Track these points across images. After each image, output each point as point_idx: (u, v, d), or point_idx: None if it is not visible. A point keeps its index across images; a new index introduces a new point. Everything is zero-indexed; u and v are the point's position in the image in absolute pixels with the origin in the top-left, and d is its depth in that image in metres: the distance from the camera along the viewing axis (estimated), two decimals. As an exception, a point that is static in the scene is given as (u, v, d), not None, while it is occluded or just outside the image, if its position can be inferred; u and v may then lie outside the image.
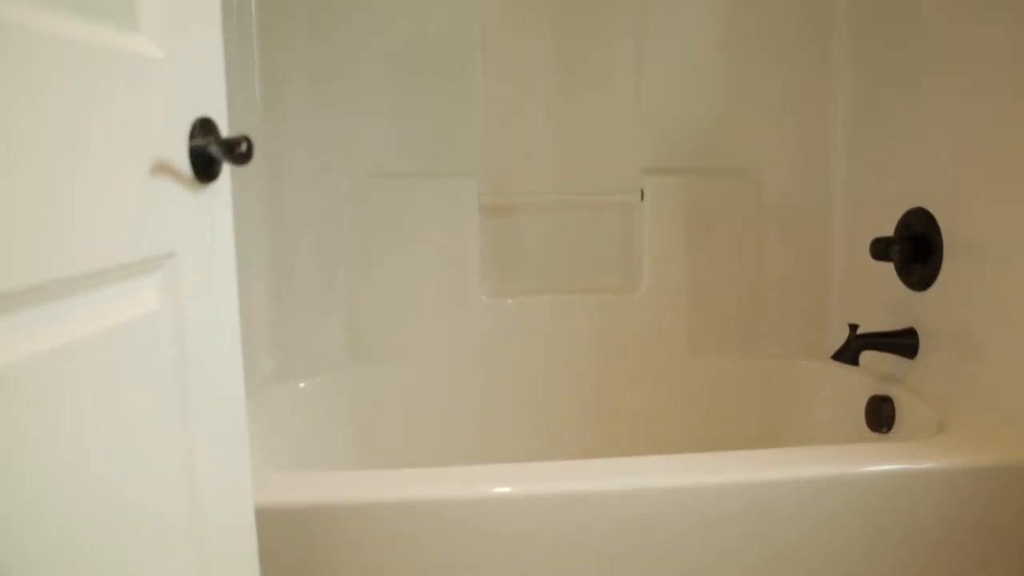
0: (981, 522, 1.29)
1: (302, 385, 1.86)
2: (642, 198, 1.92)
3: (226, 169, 0.82)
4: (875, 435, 1.74)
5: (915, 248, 1.67)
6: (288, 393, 1.83)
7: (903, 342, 1.71)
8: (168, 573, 0.72)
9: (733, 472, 1.25)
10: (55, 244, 0.57)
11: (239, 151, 0.78)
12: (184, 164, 0.76)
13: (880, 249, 1.67)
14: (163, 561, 0.71)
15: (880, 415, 1.73)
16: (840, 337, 1.96)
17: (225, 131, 0.84)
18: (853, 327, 1.73)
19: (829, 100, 1.96)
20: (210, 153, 0.76)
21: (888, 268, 1.79)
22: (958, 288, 1.58)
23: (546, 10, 1.88)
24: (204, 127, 0.80)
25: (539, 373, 1.92)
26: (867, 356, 1.88)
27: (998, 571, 1.31)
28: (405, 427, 1.89)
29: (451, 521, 1.16)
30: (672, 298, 1.95)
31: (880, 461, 1.29)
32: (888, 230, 1.79)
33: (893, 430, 1.71)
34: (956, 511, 1.29)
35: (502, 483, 1.17)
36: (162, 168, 0.72)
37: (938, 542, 1.29)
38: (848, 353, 1.70)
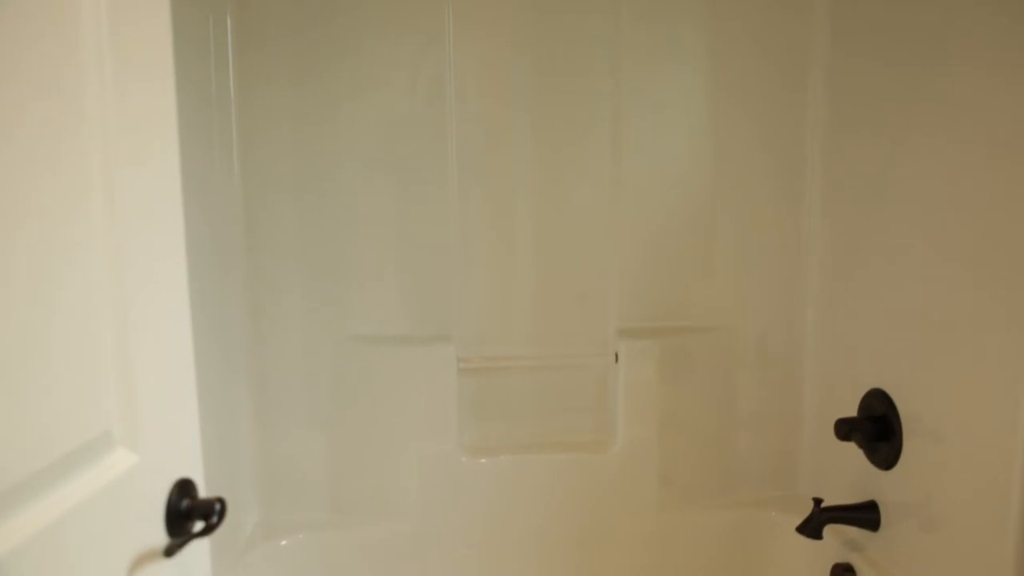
0: None
1: (284, 543, 1.92)
2: (616, 360, 1.98)
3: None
4: (839, 603, 1.80)
5: (877, 429, 1.73)
6: (271, 552, 1.89)
7: (865, 516, 1.76)
8: None
9: None
10: None
11: (212, 521, 0.84)
12: (162, 536, 0.82)
13: (844, 431, 1.73)
14: None
15: (842, 584, 1.79)
16: (809, 497, 2.01)
17: (202, 478, 0.90)
18: (817, 501, 1.79)
19: (802, 270, 2.02)
20: (188, 541, 0.81)
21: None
22: (920, 469, 1.64)
23: (520, 183, 1.95)
24: (182, 488, 0.86)
25: (515, 531, 1.98)
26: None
27: None
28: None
29: None
30: (645, 454, 2.01)
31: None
32: (855, 400, 1.85)
33: (856, 599, 1.77)
34: None
35: None
36: (145, 558, 0.78)
37: None
38: (811, 527, 1.76)
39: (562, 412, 2.02)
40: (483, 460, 1.97)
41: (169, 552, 0.78)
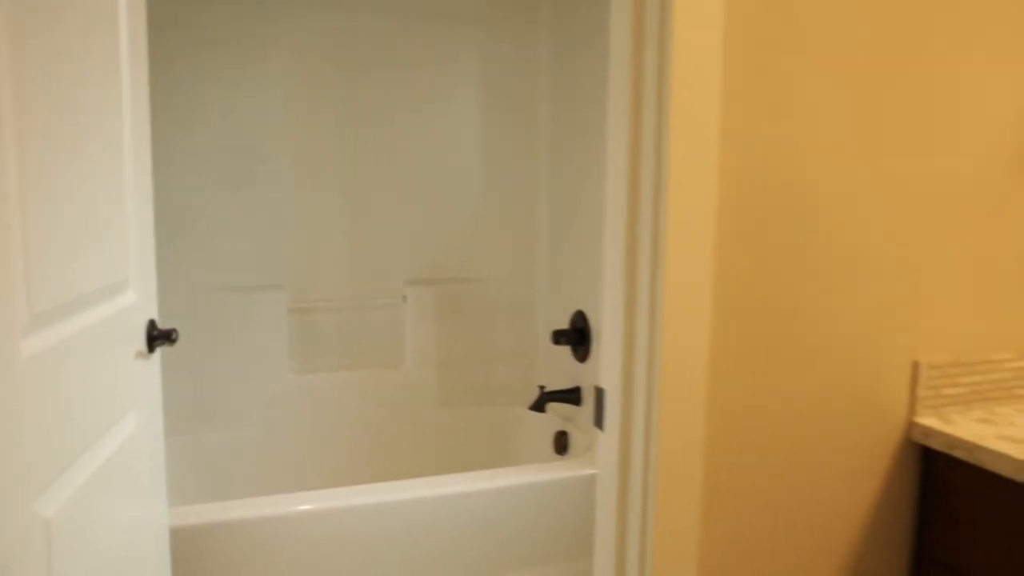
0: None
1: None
2: (405, 301, 2.76)
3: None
4: (557, 456, 2.67)
5: (578, 337, 2.63)
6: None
7: (572, 396, 2.65)
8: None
9: (463, 485, 2.08)
10: (104, 415, 1.28)
11: (171, 338, 1.51)
12: (144, 347, 1.47)
13: (555, 338, 2.61)
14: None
15: (560, 444, 2.67)
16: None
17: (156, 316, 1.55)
18: (541, 387, 2.66)
19: (536, 238, 2.90)
20: (157, 342, 1.48)
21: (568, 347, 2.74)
22: (598, 361, 2.54)
23: (335, 174, 2.66)
24: (152, 323, 1.51)
25: (333, 427, 2.68)
26: (555, 403, 2.81)
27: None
28: (241, 471, 2.56)
29: (279, 529, 1.90)
30: (427, 370, 2.79)
31: (541, 474, 2.19)
32: (566, 322, 2.74)
33: (568, 453, 2.65)
34: (575, 503, 2.21)
35: (326, 501, 1.93)
36: (139, 354, 1.43)
37: (562, 515, 2.21)
38: (538, 405, 2.63)
39: (366, 340, 2.75)
40: (308, 376, 2.66)
41: (151, 349, 1.45)
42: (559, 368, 2.81)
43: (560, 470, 2.21)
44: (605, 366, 1.16)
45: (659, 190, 1.09)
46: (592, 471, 2.22)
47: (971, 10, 1.23)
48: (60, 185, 1.07)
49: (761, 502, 1.20)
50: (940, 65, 1.22)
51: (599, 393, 1.17)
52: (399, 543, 2.00)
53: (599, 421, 1.16)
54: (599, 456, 1.19)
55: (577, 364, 2.67)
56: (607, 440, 1.14)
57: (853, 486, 1.25)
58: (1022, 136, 1.30)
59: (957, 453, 1.19)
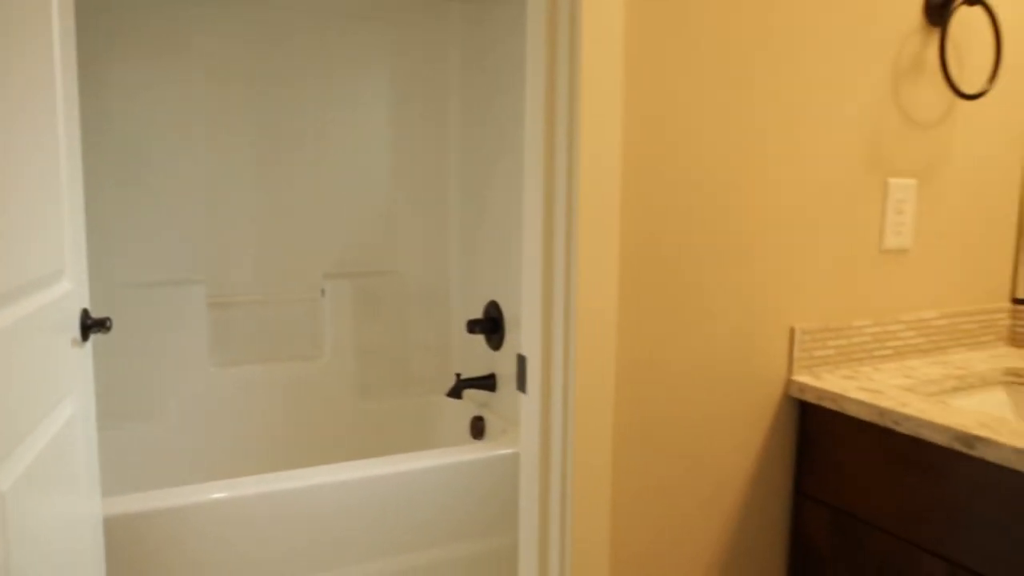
0: (506, 480, 2.37)
1: (68, 445, 2.47)
2: (323, 294, 2.83)
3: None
4: (474, 441, 2.80)
5: (492, 325, 2.76)
6: (58, 452, 2.43)
7: (487, 383, 2.79)
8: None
9: (385, 468, 2.18)
10: (44, 399, 1.33)
11: (106, 326, 1.56)
12: (78, 335, 1.51)
13: (470, 327, 2.74)
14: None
15: (477, 428, 2.79)
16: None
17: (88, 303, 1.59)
18: (458, 375, 2.78)
19: (449, 232, 3.02)
20: (91, 330, 1.52)
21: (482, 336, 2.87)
22: (513, 348, 2.68)
23: (253, 174, 2.71)
24: (85, 311, 1.56)
25: (256, 418, 2.72)
26: (471, 390, 2.94)
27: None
28: (163, 464, 2.58)
29: (202, 517, 1.95)
30: (346, 362, 2.87)
31: (459, 455, 2.31)
32: (480, 312, 2.88)
33: (485, 437, 2.78)
34: (494, 477, 2.35)
35: (245, 488, 1.99)
36: (74, 342, 1.48)
37: (486, 489, 2.34)
38: (455, 392, 2.75)
39: (286, 333, 2.80)
40: (229, 369, 2.70)
41: (85, 337, 1.49)
42: (474, 356, 2.94)
43: (478, 451, 2.34)
44: (526, 336, 1.29)
45: (572, 189, 1.24)
46: (508, 451, 2.36)
47: (833, 33, 1.43)
48: (2, 180, 1.13)
49: (663, 452, 1.36)
50: (809, 74, 1.42)
51: (521, 360, 1.30)
52: (324, 526, 2.09)
53: (522, 385, 1.30)
54: (522, 415, 1.33)
55: (491, 352, 2.81)
56: (529, 401, 1.28)
57: (742, 436, 1.44)
58: (870, 138, 1.51)
59: (826, 404, 1.39)
